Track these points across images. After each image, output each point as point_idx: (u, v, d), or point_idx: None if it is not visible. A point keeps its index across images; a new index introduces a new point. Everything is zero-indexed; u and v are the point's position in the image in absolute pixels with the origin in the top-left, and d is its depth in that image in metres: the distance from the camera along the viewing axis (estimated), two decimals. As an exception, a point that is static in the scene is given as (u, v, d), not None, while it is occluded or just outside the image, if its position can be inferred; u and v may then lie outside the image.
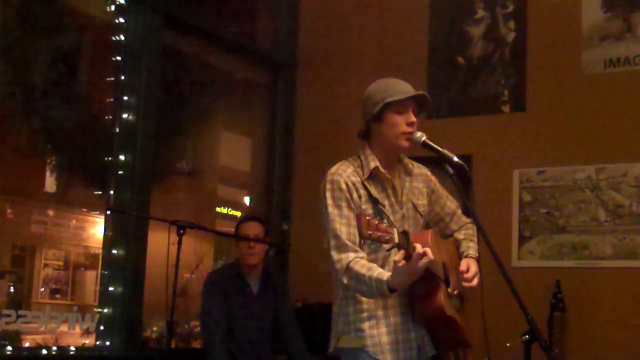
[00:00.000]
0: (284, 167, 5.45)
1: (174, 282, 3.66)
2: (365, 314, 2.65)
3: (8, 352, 3.70)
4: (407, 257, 2.45)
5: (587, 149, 4.55)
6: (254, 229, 4.23)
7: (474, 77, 4.99)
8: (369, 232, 2.29)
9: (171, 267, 3.68)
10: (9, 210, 4.95)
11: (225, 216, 6.86)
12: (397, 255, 2.45)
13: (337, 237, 2.61)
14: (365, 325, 2.64)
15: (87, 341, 4.11)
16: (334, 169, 2.72)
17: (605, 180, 4.47)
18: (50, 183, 4.90)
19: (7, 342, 3.73)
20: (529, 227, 4.63)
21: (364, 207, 2.65)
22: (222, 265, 4.85)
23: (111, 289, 4.21)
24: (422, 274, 2.50)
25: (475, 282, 2.75)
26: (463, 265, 2.79)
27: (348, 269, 2.57)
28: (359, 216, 2.34)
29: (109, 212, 4.35)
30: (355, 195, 2.66)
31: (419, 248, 2.43)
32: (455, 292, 2.78)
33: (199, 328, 4.52)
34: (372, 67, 5.36)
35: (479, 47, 5.01)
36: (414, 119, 2.71)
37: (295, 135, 5.53)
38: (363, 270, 2.54)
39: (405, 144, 2.72)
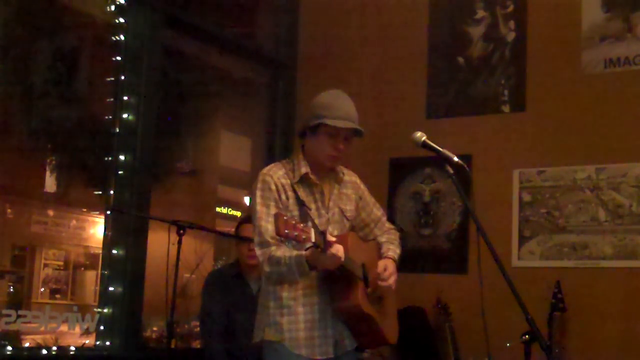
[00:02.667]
0: (284, 167, 5.44)
1: (174, 282, 3.67)
2: (285, 310, 2.78)
3: (8, 352, 3.70)
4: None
5: (587, 149, 4.55)
6: (254, 229, 4.22)
7: (474, 77, 4.99)
8: (286, 230, 2.38)
9: (171, 267, 3.68)
10: (9, 210, 4.96)
11: (225, 216, 6.86)
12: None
13: (261, 234, 2.75)
14: (284, 320, 2.77)
15: (87, 341, 4.11)
16: (266, 169, 2.88)
17: (605, 180, 4.47)
18: (50, 183, 4.90)
19: (7, 342, 3.73)
20: (529, 227, 4.63)
21: (290, 208, 2.79)
22: (222, 265, 4.85)
23: (111, 289, 4.21)
24: (342, 273, 2.66)
25: (391, 281, 2.92)
26: (380, 265, 2.92)
27: (270, 257, 2.70)
28: (276, 215, 2.43)
29: (109, 212, 4.35)
30: (283, 197, 2.80)
31: (334, 250, 2.52)
32: (377, 294, 2.90)
33: (199, 328, 4.52)
34: (372, 67, 5.37)
35: (479, 47, 5.01)
36: (342, 146, 2.85)
37: (296, 135, 5.52)
38: (283, 254, 2.67)
39: (328, 164, 2.89)
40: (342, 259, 2.57)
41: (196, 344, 4.74)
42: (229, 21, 5.48)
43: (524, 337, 2.36)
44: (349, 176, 3.06)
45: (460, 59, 5.06)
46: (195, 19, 4.97)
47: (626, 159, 4.43)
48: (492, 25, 4.99)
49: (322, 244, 2.50)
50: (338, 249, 2.54)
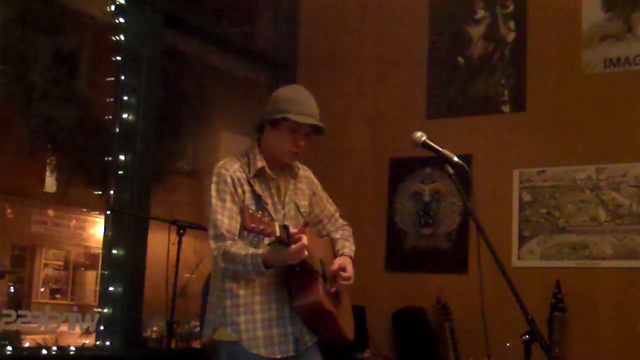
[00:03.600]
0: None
1: (174, 282, 3.67)
2: (242, 309, 2.73)
3: (8, 352, 3.70)
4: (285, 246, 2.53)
5: (587, 149, 4.55)
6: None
7: (474, 77, 4.99)
8: (252, 224, 2.37)
9: (171, 267, 3.68)
10: (9, 210, 4.95)
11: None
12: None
13: (216, 227, 2.70)
14: (241, 319, 2.72)
15: (87, 341, 4.11)
16: (221, 162, 2.83)
17: (605, 180, 4.47)
18: (50, 183, 4.89)
19: (7, 342, 3.73)
20: (529, 227, 4.63)
21: (247, 202, 2.74)
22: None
23: (111, 289, 4.22)
24: (301, 268, 2.64)
25: (351, 280, 2.89)
26: (339, 264, 2.89)
27: (225, 253, 2.65)
28: (242, 208, 2.44)
29: (109, 212, 4.35)
30: (239, 190, 2.75)
31: (298, 243, 2.50)
32: (333, 289, 2.86)
33: (199, 328, 4.52)
34: (372, 67, 5.36)
35: (479, 47, 5.01)
36: (302, 142, 2.82)
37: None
38: (239, 251, 2.62)
39: (286, 159, 2.86)
40: (306, 253, 2.55)
41: (196, 344, 4.74)
42: (229, 21, 5.47)
43: (524, 337, 2.36)
44: (304, 171, 3.03)
45: (460, 59, 5.06)
46: (195, 19, 4.97)
47: (626, 159, 4.43)
48: (492, 25, 5.00)
49: (286, 238, 2.48)
50: (302, 243, 2.51)
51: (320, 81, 5.43)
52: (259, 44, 5.73)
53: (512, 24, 4.93)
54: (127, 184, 4.30)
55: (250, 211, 2.39)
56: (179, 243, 3.73)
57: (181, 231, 3.74)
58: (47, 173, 4.82)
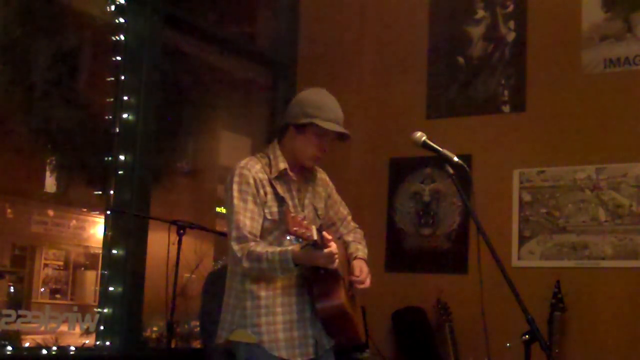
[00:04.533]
0: (283, 167, 5.43)
1: (174, 282, 3.67)
2: (263, 310, 2.71)
3: (8, 352, 3.70)
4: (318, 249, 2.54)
5: (587, 149, 4.55)
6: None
7: (474, 77, 4.99)
8: (295, 228, 2.37)
9: (171, 267, 3.68)
10: (9, 210, 4.95)
11: (225, 216, 6.84)
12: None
13: (239, 228, 2.66)
14: (262, 321, 2.70)
15: (87, 341, 4.11)
16: (242, 162, 2.79)
17: (605, 180, 4.47)
18: (50, 183, 4.90)
19: (7, 342, 3.73)
20: (529, 227, 4.63)
21: (269, 204, 2.73)
22: (222, 265, 4.84)
23: (111, 289, 4.22)
24: (326, 271, 2.63)
25: (368, 282, 2.88)
26: (356, 268, 2.89)
27: (249, 253, 2.62)
28: (286, 212, 2.43)
29: (109, 212, 4.35)
30: (261, 192, 2.73)
31: (333, 247, 2.53)
32: (350, 293, 2.86)
33: (198, 328, 4.52)
34: (372, 67, 5.37)
35: (479, 47, 5.02)
36: (327, 148, 2.83)
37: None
38: (264, 250, 2.61)
39: (309, 163, 2.86)
40: (337, 262, 2.55)
41: (196, 344, 4.74)
42: (229, 21, 5.47)
43: (524, 337, 2.35)
44: (320, 173, 3.02)
45: (460, 59, 5.06)
46: (195, 19, 4.97)
47: (626, 159, 4.44)
48: (492, 25, 5.00)
49: (321, 242, 2.48)
50: (334, 247, 2.52)
51: (320, 81, 5.37)
52: (259, 44, 5.73)
53: (512, 24, 4.93)
54: (127, 184, 4.30)
55: (292, 215, 2.39)
56: (179, 243, 3.73)
57: (181, 231, 3.74)
58: (47, 173, 4.83)
